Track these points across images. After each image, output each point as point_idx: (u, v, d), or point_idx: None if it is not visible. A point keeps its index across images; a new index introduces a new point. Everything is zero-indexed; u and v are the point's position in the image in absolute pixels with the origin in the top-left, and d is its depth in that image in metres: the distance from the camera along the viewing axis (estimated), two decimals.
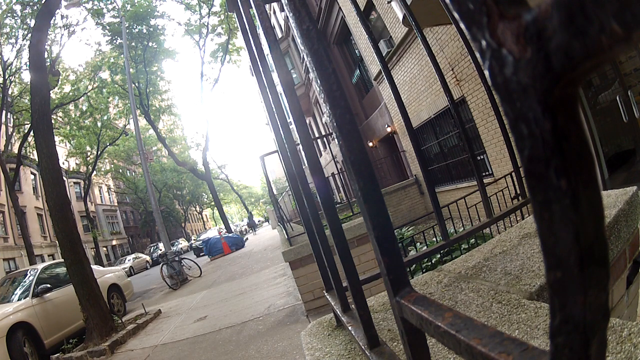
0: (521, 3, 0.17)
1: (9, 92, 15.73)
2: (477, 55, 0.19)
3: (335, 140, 0.50)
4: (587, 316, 0.20)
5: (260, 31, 0.98)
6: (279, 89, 0.99)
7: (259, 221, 49.70)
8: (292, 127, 0.92)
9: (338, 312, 0.98)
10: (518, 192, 1.81)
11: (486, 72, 0.19)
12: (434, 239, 5.21)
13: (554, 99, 0.17)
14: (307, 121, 20.86)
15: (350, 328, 0.82)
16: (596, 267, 0.20)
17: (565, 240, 0.19)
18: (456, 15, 0.19)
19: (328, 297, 1.13)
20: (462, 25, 0.19)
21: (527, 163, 0.19)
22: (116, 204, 38.62)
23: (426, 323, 0.37)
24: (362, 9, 4.34)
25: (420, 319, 0.39)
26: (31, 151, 17.28)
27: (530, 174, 0.19)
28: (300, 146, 0.87)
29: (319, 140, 18.01)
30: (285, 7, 0.59)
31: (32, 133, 11.48)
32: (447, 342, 0.33)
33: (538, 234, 0.20)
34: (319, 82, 0.50)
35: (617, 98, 4.64)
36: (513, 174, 1.99)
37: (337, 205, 10.30)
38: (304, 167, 1.06)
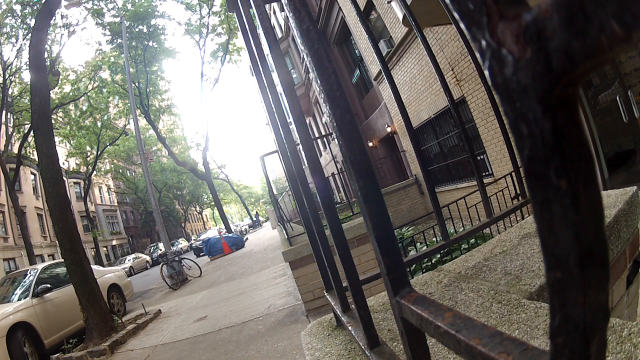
0: (521, 3, 0.17)
1: (9, 92, 15.73)
2: (477, 55, 0.19)
3: (335, 140, 0.50)
4: (587, 316, 0.20)
5: (260, 31, 0.98)
6: (279, 89, 0.99)
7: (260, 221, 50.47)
8: (292, 127, 0.92)
9: (338, 312, 0.98)
10: (518, 192, 1.81)
11: (486, 72, 0.19)
12: (434, 239, 5.21)
13: (554, 99, 0.17)
14: (307, 121, 20.87)
15: (350, 328, 0.82)
16: (596, 267, 0.20)
17: (565, 240, 0.19)
18: (456, 15, 0.19)
19: (328, 297, 1.13)
20: (462, 25, 0.19)
21: (527, 163, 0.19)
22: (116, 204, 38.60)
23: (426, 323, 0.37)
24: (362, 9, 4.34)
25: (420, 319, 0.39)
26: (31, 151, 17.27)
27: (530, 174, 0.19)
28: (300, 146, 0.87)
29: (319, 140, 18.01)
30: (285, 7, 0.59)
31: (32, 133, 11.49)
32: (447, 342, 0.33)
33: (538, 234, 0.20)
34: (319, 82, 0.50)
35: (617, 98, 4.64)
36: (513, 174, 1.99)
37: (337, 205, 10.30)
38: (304, 167, 1.06)
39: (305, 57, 0.54)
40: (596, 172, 0.20)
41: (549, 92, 0.17)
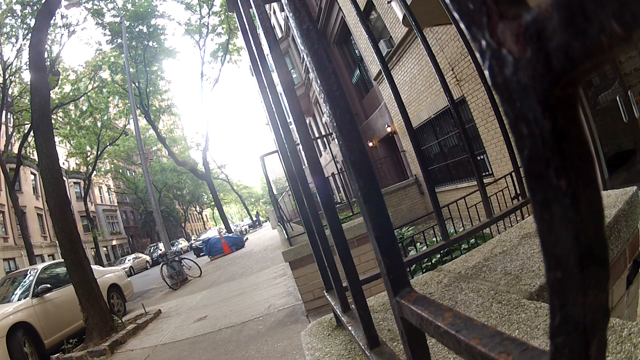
0: (521, 3, 0.17)
1: (9, 92, 15.73)
2: (477, 55, 0.19)
3: (335, 140, 0.50)
4: (587, 316, 0.20)
5: (260, 31, 0.98)
6: (279, 89, 0.99)
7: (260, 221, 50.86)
8: (292, 127, 0.92)
9: (338, 312, 0.98)
10: (518, 192, 1.81)
11: (486, 72, 0.19)
12: (434, 239, 5.21)
13: (554, 99, 0.17)
14: (307, 121, 20.87)
15: (350, 328, 0.82)
16: (596, 267, 0.20)
17: (565, 240, 0.19)
18: (456, 15, 0.19)
19: (328, 297, 1.13)
20: (462, 25, 0.19)
21: (527, 163, 0.18)
22: (116, 204, 38.60)
23: (426, 323, 0.37)
24: (362, 9, 4.34)
25: (420, 319, 0.39)
26: (31, 151, 17.28)
27: (530, 174, 0.19)
28: (300, 146, 0.87)
29: (318, 140, 18.02)
30: (285, 7, 0.59)
31: (32, 133, 11.50)
32: (447, 342, 0.33)
33: (538, 234, 0.20)
34: (319, 82, 0.50)
35: (617, 98, 4.64)
36: (513, 174, 1.99)
37: (337, 205, 10.30)
38: (304, 167, 1.06)
39: (305, 57, 0.54)
40: (596, 172, 0.20)
41: (549, 92, 0.17)
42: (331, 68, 0.50)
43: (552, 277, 0.20)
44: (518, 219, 3.39)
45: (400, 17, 6.70)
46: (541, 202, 0.19)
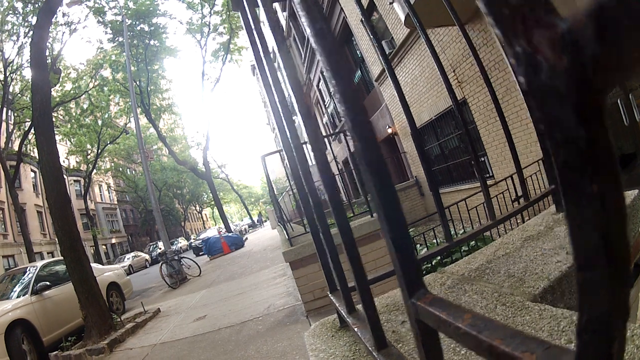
0: (555, 12, 0.18)
1: (10, 89, 15.72)
2: (511, 60, 0.19)
3: (344, 140, 0.51)
4: (612, 314, 0.21)
5: (267, 29, 0.98)
6: (286, 87, 0.99)
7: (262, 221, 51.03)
8: (297, 125, 0.93)
9: (343, 313, 0.99)
10: (519, 194, 1.81)
11: (520, 78, 0.19)
12: (434, 240, 5.21)
13: (587, 107, 0.18)
14: None
15: (356, 329, 0.82)
16: (620, 267, 0.20)
17: (595, 242, 0.19)
18: (491, 21, 0.19)
19: (332, 298, 1.13)
20: (497, 31, 0.19)
21: (561, 168, 0.19)
22: (116, 203, 38.56)
23: (444, 324, 0.37)
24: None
25: (439, 321, 0.39)
26: (32, 149, 17.29)
27: (564, 179, 0.19)
28: (308, 144, 0.87)
29: None
30: (296, 7, 0.59)
31: (32, 131, 11.48)
32: (468, 342, 0.33)
33: (569, 236, 0.20)
34: (333, 82, 0.50)
35: (618, 101, 4.65)
36: (514, 176, 2.00)
37: None
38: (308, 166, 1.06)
39: (319, 56, 0.54)
40: (621, 177, 0.20)
41: (584, 100, 0.17)
42: (346, 68, 0.50)
43: (582, 277, 0.20)
44: (519, 221, 3.40)
45: (402, 18, 6.71)
46: (574, 206, 0.19)
